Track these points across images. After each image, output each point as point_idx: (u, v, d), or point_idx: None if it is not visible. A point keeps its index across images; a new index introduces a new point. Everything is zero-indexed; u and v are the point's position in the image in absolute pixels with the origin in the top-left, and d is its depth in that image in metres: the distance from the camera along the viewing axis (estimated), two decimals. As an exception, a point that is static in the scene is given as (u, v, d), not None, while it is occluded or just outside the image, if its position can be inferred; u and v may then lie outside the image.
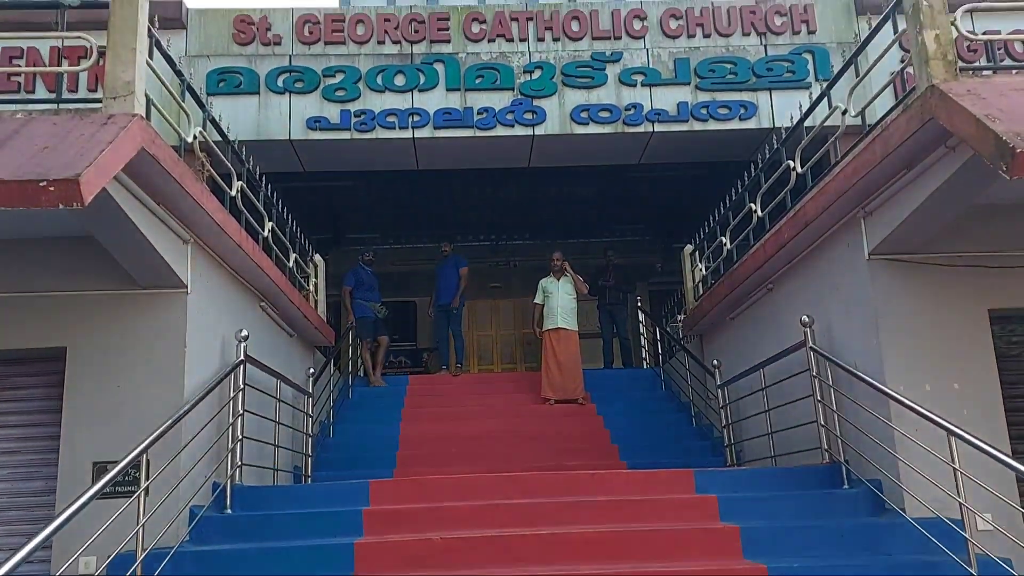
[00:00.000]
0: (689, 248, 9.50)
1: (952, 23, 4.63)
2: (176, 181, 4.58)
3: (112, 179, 3.98)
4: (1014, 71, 5.46)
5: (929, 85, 4.40)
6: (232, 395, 5.67)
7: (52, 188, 3.45)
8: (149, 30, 4.59)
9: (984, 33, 7.34)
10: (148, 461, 4.53)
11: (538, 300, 9.82)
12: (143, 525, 4.26)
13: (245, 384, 5.75)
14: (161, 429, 4.55)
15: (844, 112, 5.82)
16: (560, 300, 9.54)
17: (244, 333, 5.85)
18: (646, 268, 14.73)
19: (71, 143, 3.76)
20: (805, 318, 5.91)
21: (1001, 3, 5.16)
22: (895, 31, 5.17)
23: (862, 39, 5.91)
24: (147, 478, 4.51)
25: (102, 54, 4.39)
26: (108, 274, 5.08)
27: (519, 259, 15.02)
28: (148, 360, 5.13)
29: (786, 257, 6.51)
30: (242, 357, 5.78)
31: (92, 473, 4.87)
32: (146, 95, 4.53)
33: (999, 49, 8.39)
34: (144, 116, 4.37)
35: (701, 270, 9.15)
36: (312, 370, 7.94)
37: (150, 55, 4.71)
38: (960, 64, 4.69)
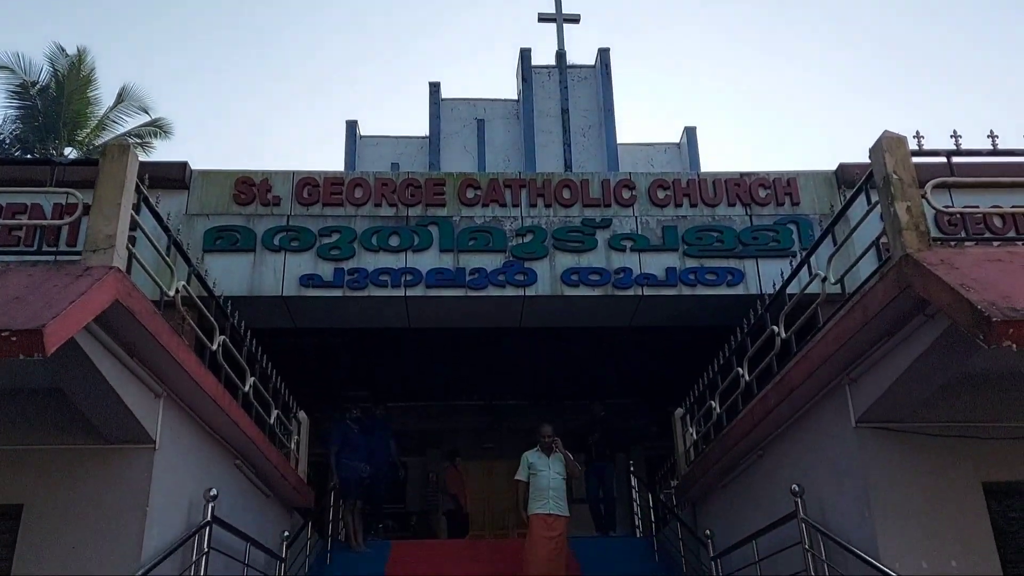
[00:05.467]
0: (680, 412, 9.34)
1: (923, 196, 4.76)
2: (151, 334, 4.55)
3: (83, 330, 3.95)
4: (995, 243, 5.52)
5: (903, 254, 4.45)
6: (195, 559, 5.39)
7: (15, 338, 3.41)
8: (137, 186, 4.71)
9: (964, 207, 7.55)
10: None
11: (522, 476, 8.48)
12: None
13: (210, 548, 5.48)
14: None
15: (824, 280, 5.87)
16: (552, 480, 8.34)
17: (213, 492, 5.63)
18: (640, 432, 14.44)
19: (42, 294, 3.76)
20: (795, 487, 5.70)
21: (967, 179, 5.33)
22: (868, 202, 5.29)
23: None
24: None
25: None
26: (73, 428, 4.96)
27: (512, 421, 14.80)
28: (107, 520, 4.90)
29: (774, 423, 6.37)
30: (208, 518, 5.54)
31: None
32: (129, 249, 4.58)
33: (978, 224, 8.59)
34: (124, 269, 4.40)
35: (692, 435, 8.95)
36: (287, 533, 7.60)
37: (136, 211, 4.80)
38: (940, 235, 4.77)
